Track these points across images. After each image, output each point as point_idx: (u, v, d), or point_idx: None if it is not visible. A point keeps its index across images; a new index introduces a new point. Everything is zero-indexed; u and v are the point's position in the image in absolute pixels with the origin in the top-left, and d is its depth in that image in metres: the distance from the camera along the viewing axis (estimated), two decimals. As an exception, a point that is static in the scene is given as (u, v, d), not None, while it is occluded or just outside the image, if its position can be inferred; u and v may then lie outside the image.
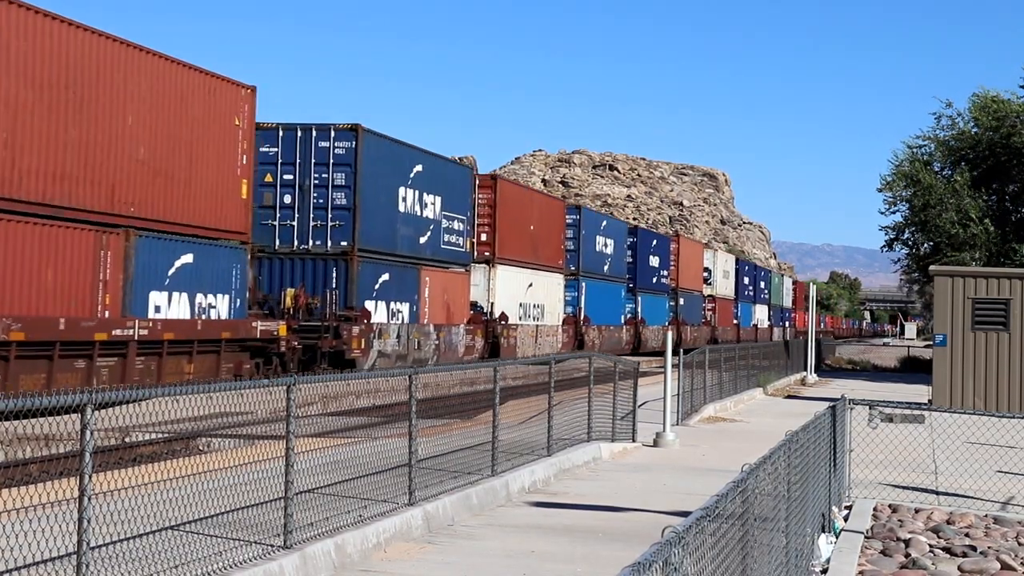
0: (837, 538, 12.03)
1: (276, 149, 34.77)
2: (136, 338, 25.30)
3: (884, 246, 56.21)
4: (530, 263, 49.01)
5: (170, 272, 27.28)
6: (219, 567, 9.03)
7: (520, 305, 47.93)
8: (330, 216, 34.65)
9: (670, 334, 23.25)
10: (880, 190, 53.94)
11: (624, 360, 23.89)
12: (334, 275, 34.51)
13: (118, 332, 24.79)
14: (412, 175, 38.64)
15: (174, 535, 9.82)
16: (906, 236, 55.65)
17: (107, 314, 24.93)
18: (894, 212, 54.80)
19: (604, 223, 61.84)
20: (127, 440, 19.66)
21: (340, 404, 25.16)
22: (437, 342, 39.67)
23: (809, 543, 10.55)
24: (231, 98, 29.83)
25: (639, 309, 66.37)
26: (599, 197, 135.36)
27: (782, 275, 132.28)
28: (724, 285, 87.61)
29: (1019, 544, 12.64)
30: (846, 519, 13.32)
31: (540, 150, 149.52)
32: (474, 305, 44.21)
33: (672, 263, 73.71)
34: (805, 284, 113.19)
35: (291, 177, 34.77)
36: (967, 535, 12.98)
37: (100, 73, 25.03)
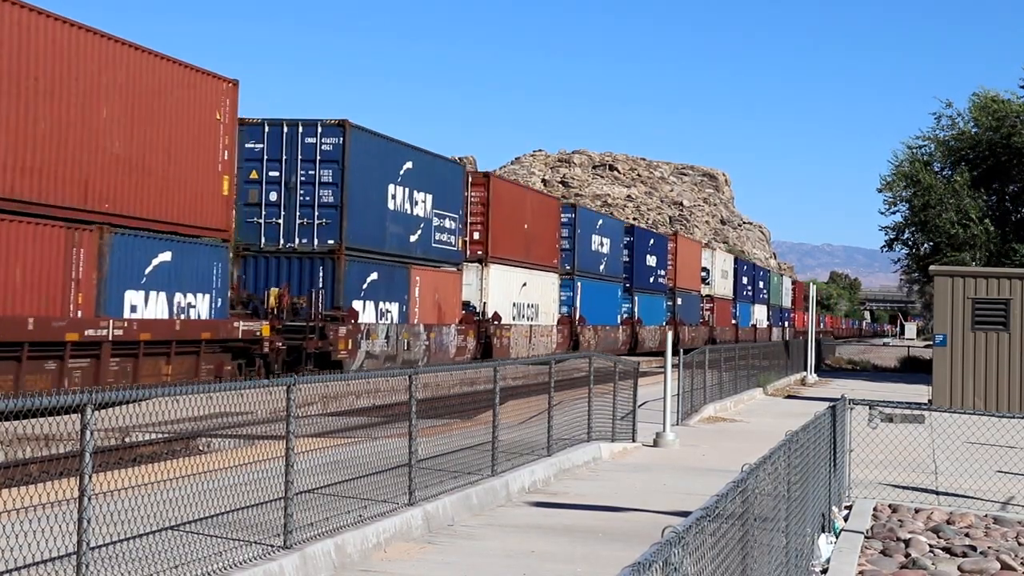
0: (837, 538, 12.03)
1: (261, 145, 33.93)
2: (110, 339, 24.37)
3: (884, 246, 56.22)
4: (524, 262, 48.44)
5: (147, 271, 26.46)
6: (219, 567, 9.03)
7: (514, 305, 47.37)
8: (317, 214, 33.88)
9: (670, 334, 23.26)
10: (880, 190, 53.99)
11: (624, 360, 23.88)
12: (321, 274, 33.77)
13: (91, 332, 23.90)
14: (402, 172, 37.89)
15: (174, 535, 9.82)
16: (906, 236, 55.68)
17: (80, 314, 24.06)
18: (894, 212, 54.88)
19: (600, 222, 61.23)
20: (127, 440, 19.65)
21: (340, 404, 25.13)
22: (427, 343, 39.03)
23: (809, 543, 10.55)
24: (212, 91, 28.92)
25: (636, 309, 65.94)
26: (599, 197, 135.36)
27: (781, 275, 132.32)
28: (722, 285, 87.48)
29: (1019, 544, 12.64)
30: (846, 519, 13.32)
31: (540, 150, 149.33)
32: (466, 305, 43.62)
33: (670, 262, 73.37)
34: (805, 284, 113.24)
35: (277, 174, 33.93)
36: (967, 535, 12.98)
37: (72, 64, 24.09)
